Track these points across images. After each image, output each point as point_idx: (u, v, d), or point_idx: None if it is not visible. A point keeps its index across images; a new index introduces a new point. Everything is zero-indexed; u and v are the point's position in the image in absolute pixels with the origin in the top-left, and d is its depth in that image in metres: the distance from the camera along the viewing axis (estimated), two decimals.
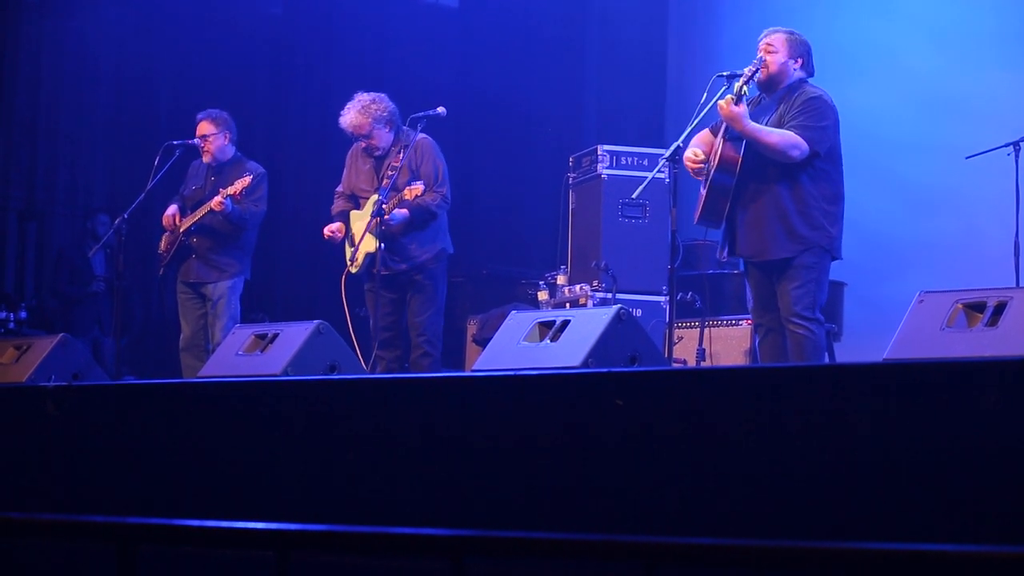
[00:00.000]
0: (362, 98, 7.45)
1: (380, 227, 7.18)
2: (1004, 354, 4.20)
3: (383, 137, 7.44)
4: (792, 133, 5.98)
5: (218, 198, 7.69)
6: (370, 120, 7.39)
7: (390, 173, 7.35)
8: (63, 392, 5.53)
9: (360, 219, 7.45)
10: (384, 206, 7.18)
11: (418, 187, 7.19)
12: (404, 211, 7.26)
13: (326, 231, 7.52)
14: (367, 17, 11.37)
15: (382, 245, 7.23)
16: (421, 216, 7.33)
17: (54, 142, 11.30)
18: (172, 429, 5.25)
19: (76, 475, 5.41)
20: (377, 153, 7.45)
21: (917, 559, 1.91)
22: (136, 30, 11.22)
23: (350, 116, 7.43)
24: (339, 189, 7.68)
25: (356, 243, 7.35)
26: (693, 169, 6.17)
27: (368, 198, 7.43)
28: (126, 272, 8.16)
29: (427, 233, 7.40)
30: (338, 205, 7.63)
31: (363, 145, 7.50)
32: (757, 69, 6.09)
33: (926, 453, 3.52)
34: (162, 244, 8.06)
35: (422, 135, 7.44)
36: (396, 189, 7.27)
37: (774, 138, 5.99)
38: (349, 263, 7.42)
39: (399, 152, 7.40)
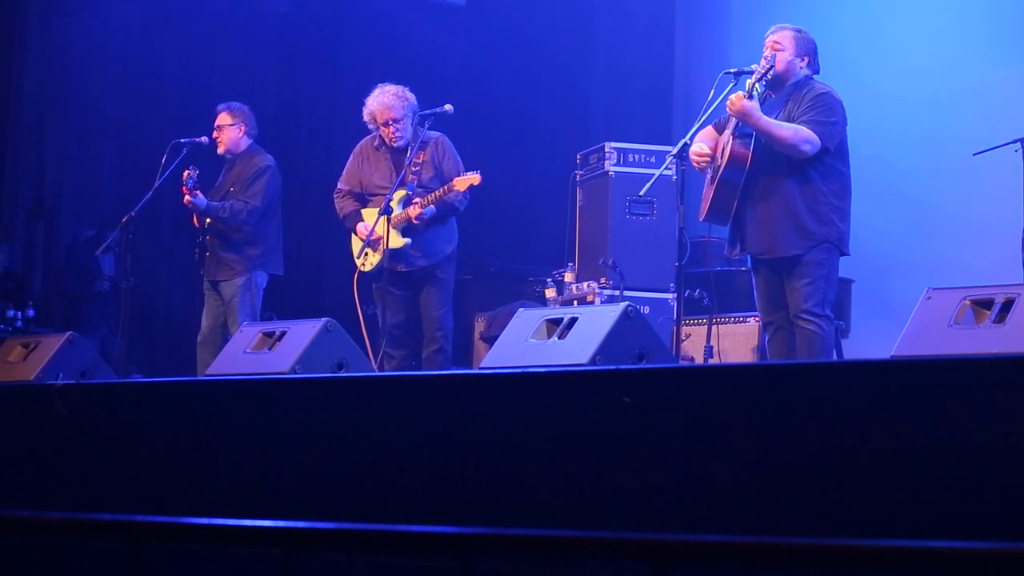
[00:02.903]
0: (391, 87, 7.38)
1: (405, 222, 7.21)
2: (1011, 351, 4.21)
3: (409, 128, 7.37)
4: (804, 128, 5.96)
5: (187, 195, 7.70)
6: (403, 106, 7.34)
7: (414, 169, 7.30)
8: (71, 390, 5.54)
9: (375, 216, 7.32)
10: (416, 200, 7.18)
11: (471, 176, 7.16)
12: (432, 208, 7.25)
13: (360, 234, 7.41)
14: (375, 15, 11.36)
15: (409, 241, 7.23)
16: (445, 213, 7.32)
17: (62, 140, 11.30)
18: (180, 427, 5.25)
19: (84, 473, 5.42)
20: (398, 144, 7.34)
21: (924, 556, 1.91)
22: (144, 28, 11.22)
23: (384, 98, 7.33)
24: (343, 188, 7.56)
25: (375, 240, 7.26)
26: (699, 163, 6.15)
27: (383, 195, 7.31)
28: (133, 270, 8.15)
29: (447, 229, 7.39)
30: (347, 205, 7.52)
31: (376, 142, 7.44)
32: (770, 67, 6.06)
33: (933, 450, 3.52)
34: None
35: (439, 133, 7.44)
36: (422, 185, 7.28)
37: (787, 132, 5.96)
38: (360, 259, 7.36)
39: (418, 148, 7.35)
